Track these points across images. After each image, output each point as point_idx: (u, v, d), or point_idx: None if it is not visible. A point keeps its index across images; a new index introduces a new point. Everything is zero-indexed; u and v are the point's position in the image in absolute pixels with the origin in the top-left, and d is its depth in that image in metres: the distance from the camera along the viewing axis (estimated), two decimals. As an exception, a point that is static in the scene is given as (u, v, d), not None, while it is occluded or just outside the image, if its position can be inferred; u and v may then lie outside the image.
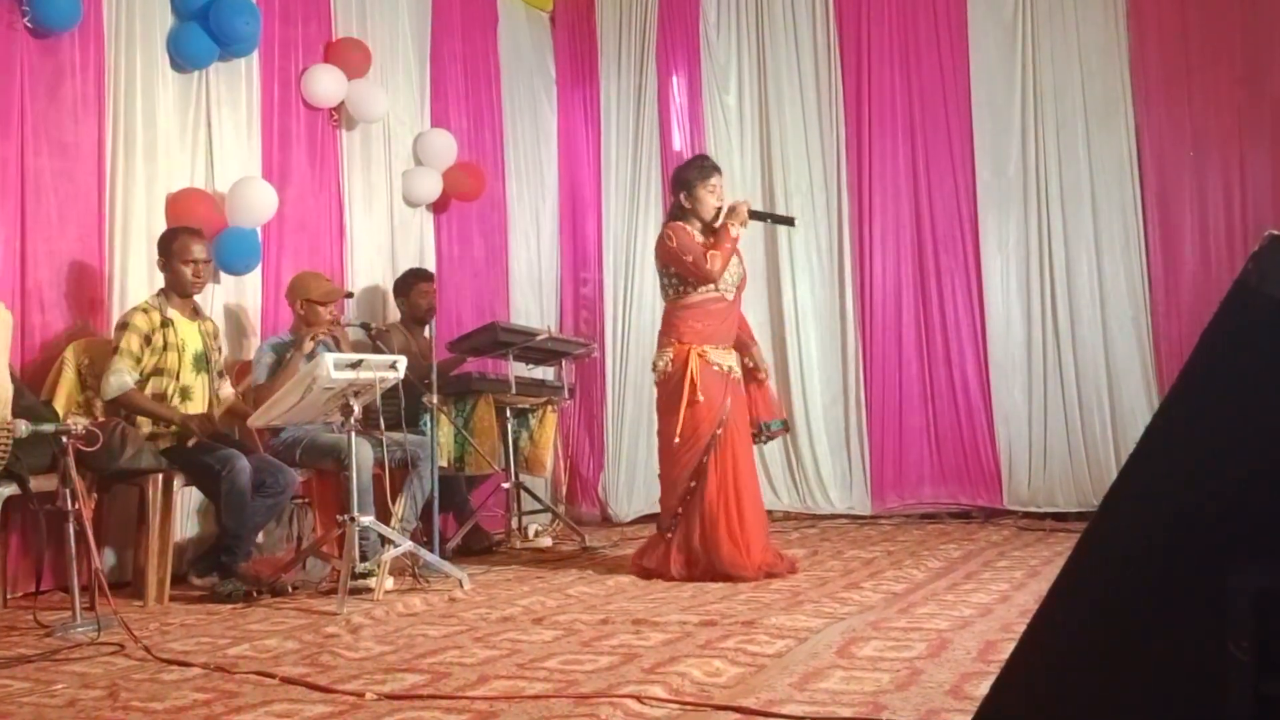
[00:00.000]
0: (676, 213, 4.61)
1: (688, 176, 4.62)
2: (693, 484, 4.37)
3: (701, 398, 4.37)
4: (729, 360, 4.52)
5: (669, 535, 4.40)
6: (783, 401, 6.95)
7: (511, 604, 3.82)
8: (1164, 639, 1.09)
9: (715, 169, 4.67)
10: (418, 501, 4.85)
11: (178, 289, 4.40)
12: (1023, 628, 1.24)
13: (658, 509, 4.77)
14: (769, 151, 7.08)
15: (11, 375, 3.69)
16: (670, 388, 4.45)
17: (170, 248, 4.39)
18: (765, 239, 7.07)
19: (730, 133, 7.20)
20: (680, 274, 4.49)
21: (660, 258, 4.57)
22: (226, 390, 4.61)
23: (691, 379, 4.36)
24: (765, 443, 4.88)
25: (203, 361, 4.46)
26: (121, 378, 4.18)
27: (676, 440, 4.36)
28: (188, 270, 4.37)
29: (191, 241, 4.39)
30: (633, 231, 7.08)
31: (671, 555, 4.37)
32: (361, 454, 4.40)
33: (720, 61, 7.26)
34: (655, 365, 4.56)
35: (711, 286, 4.49)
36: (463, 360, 5.74)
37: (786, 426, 5.07)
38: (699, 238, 4.51)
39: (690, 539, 4.36)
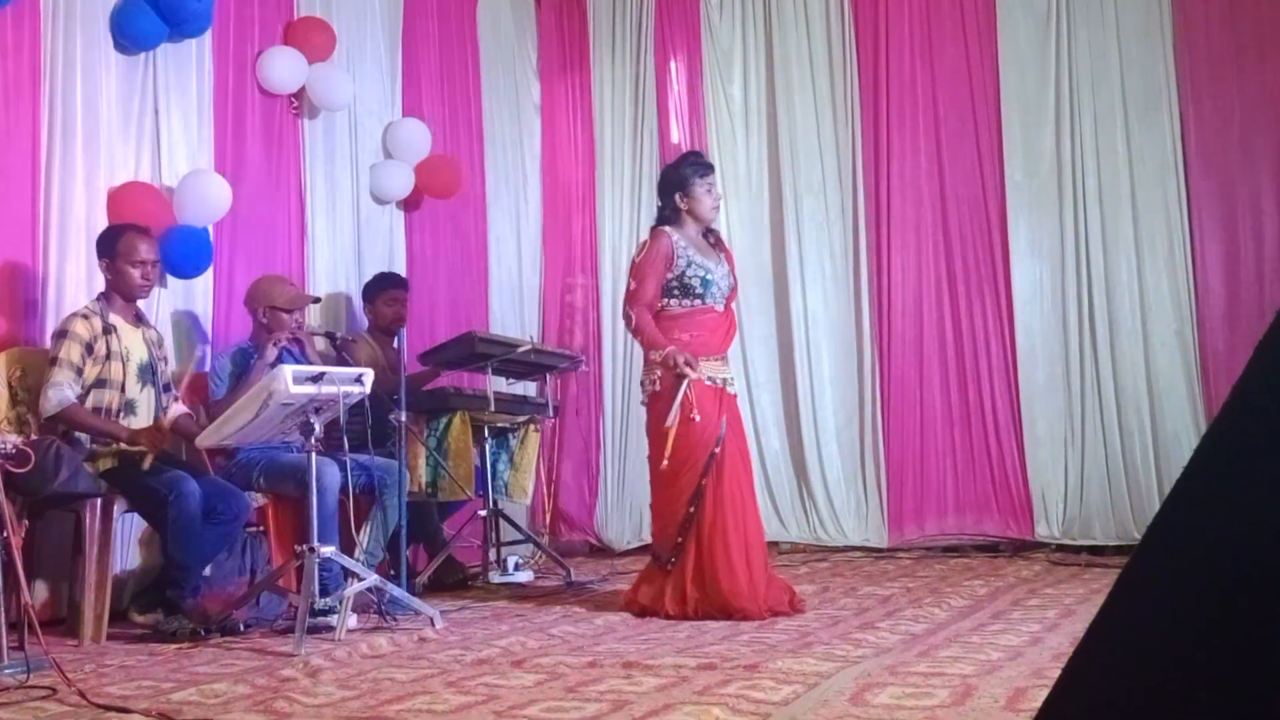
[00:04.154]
0: (669, 216, 4.63)
1: (681, 174, 4.65)
2: (691, 510, 4.37)
3: (697, 416, 4.38)
4: (723, 373, 4.56)
5: (669, 568, 4.40)
6: (791, 422, 6.97)
7: (488, 645, 3.80)
8: (1215, 687, 1.08)
9: (710, 166, 4.78)
10: (385, 531, 4.83)
11: (123, 292, 4.38)
12: (1056, 673, 1.23)
13: (651, 540, 4.77)
14: (777, 147, 7.09)
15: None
16: (661, 407, 4.46)
17: (115, 247, 4.38)
18: (772, 241, 7.08)
19: (734, 126, 7.22)
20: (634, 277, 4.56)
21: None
22: (175, 409, 4.59)
23: (686, 396, 4.37)
24: None
25: (148, 373, 4.45)
26: (62, 391, 4.16)
27: (664, 463, 4.37)
28: (136, 272, 4.36)
29: (139, 240, 4.38)
30: (631, 233, 7.10)
31: (668, 590, 4.36)
32: (327, 476, 4.39)
33: (724, 47, 7.28)
34: (642, 384, 4.59)
35: (699, 298, 4.53)
36: (436, 374, 5.73)
37: None
38: (684, 249, 4.53)
39: (689, 571, 4.35)
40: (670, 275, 4.53)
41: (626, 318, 4.57)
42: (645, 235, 4.82)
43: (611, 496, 7.09)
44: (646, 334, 4.50)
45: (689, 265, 4.54)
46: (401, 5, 6.52)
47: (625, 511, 7.05)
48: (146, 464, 4.23)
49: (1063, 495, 6.42)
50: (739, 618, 4.20)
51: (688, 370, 4.38)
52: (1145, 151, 6.37)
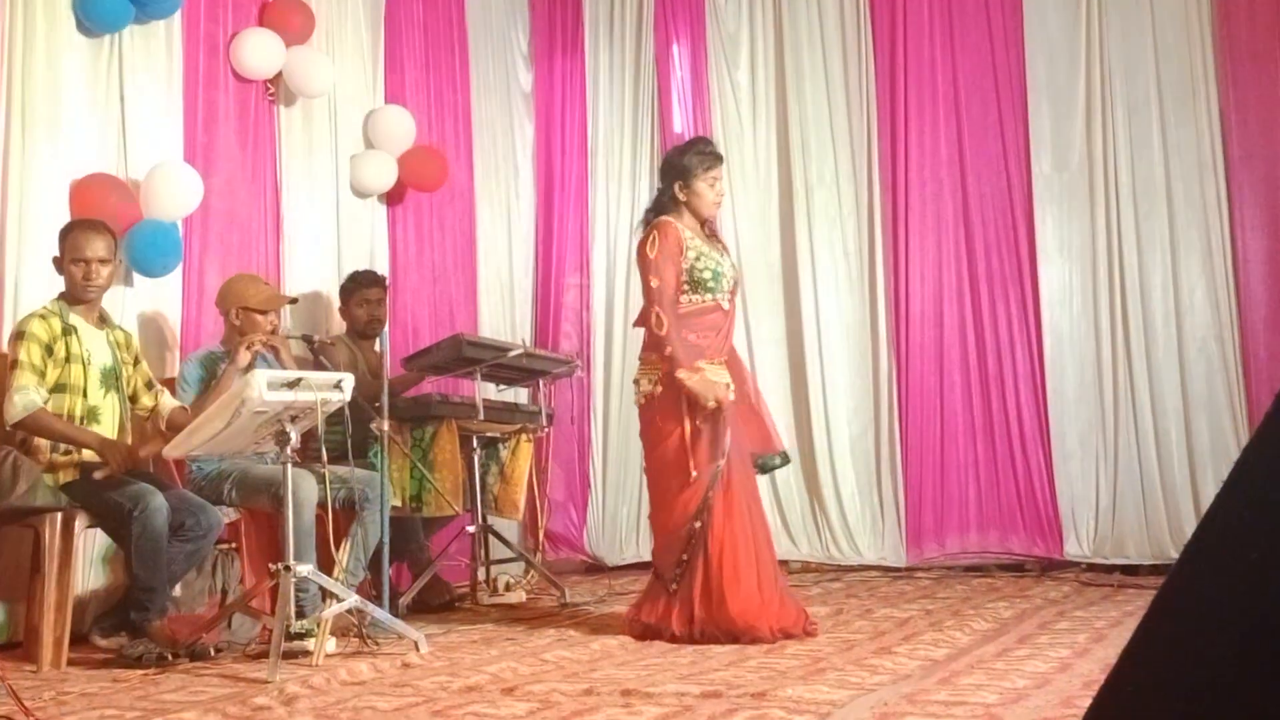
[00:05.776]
0: (666, 205, 4.61)
1: (685, 163, 4.61)
2: (697, 525, 4.37)
3: (702, 424, 4.38)
4: (724, 378, 4.53)
5: (674, 588, 4.40)
6: (802, 432, 6.97)
7: (477, 671, 3.80)
8: (1258, 716, 1.08)
9: (718, 157, 4.70)
10: (365, 548, 4.82)
11: (70, 293, 4.39)
12: (1087, 702, 1.23)
13: (651, 557, 4.77)
14: (787, 137, 7.10)
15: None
16: (658, 413, 4.45)
17: (63, 243, 4.38)
18: (782, 238, 7.09)
19: (741, 114, 7.23)
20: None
21: (638, 260, 4.60)
22: (167, 400, 4.60)
23: (688, 403, 4.38)
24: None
25: (112, 378, 4.44)
26: (28, 396, 4.15)
27: (694, 475, 4.36)
28: (77, 271, 4.34)
29: (84, 237, 4.35)
30: (630, 230, 7.09)
31: (674, 610, 4.36)
32: (303, 489, 4.39)
33: (729, 30, 7.29)
34: (637, 385, 4.56)
35: (709, 292, 4.51)
36: (418, 379, 5.73)
37: (786, 459, 5.07)
38: (690, 239, 4.51)
39: (697, 590, 4.35)
40: (681, 268, 4.50)
41: (658, 321, 4.41)
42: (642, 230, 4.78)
43: (605, 510, 7.09)
44: (676, 349, 4.38)
45: (699, 257, 4.51)
46: (384, -16, 6.53)
47: (619, 526, 7.05)
48: (99, 474, 4.23)
49: (1094, 511, 6.42)
50: (747, 639, 4.20)
51: (712, 406, 4.36)
52: (1182, 145, 6.38)
